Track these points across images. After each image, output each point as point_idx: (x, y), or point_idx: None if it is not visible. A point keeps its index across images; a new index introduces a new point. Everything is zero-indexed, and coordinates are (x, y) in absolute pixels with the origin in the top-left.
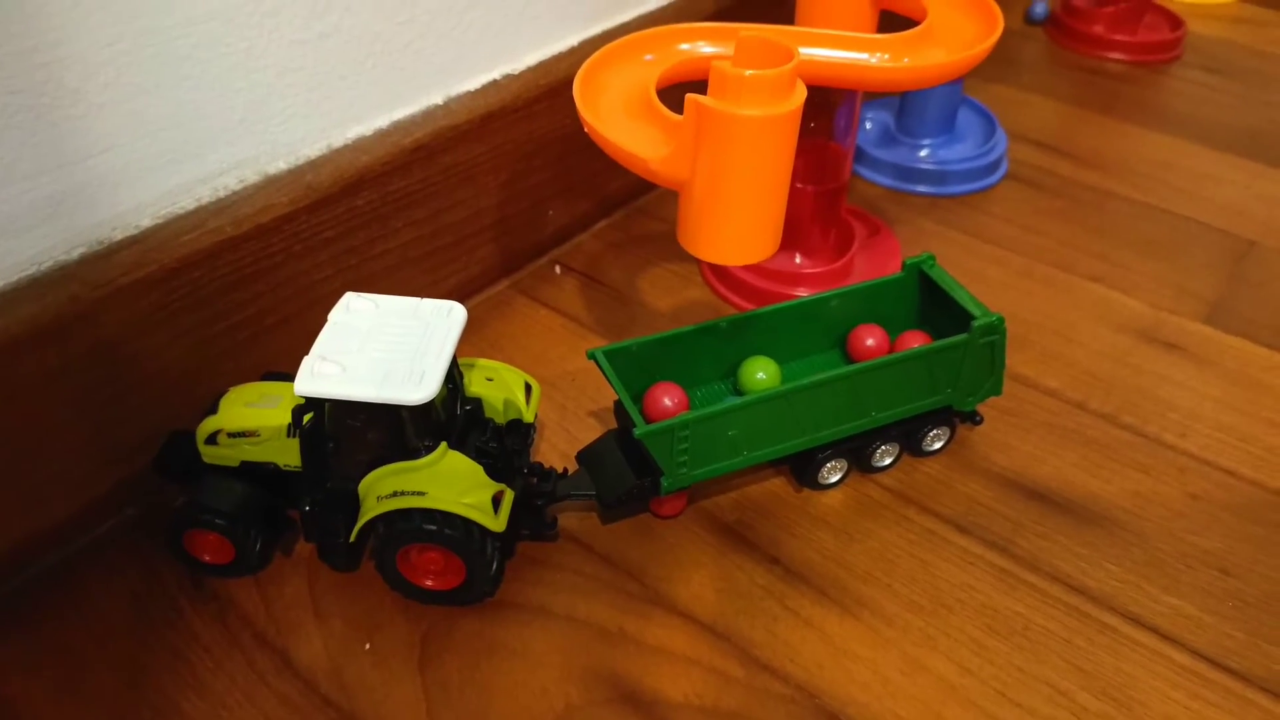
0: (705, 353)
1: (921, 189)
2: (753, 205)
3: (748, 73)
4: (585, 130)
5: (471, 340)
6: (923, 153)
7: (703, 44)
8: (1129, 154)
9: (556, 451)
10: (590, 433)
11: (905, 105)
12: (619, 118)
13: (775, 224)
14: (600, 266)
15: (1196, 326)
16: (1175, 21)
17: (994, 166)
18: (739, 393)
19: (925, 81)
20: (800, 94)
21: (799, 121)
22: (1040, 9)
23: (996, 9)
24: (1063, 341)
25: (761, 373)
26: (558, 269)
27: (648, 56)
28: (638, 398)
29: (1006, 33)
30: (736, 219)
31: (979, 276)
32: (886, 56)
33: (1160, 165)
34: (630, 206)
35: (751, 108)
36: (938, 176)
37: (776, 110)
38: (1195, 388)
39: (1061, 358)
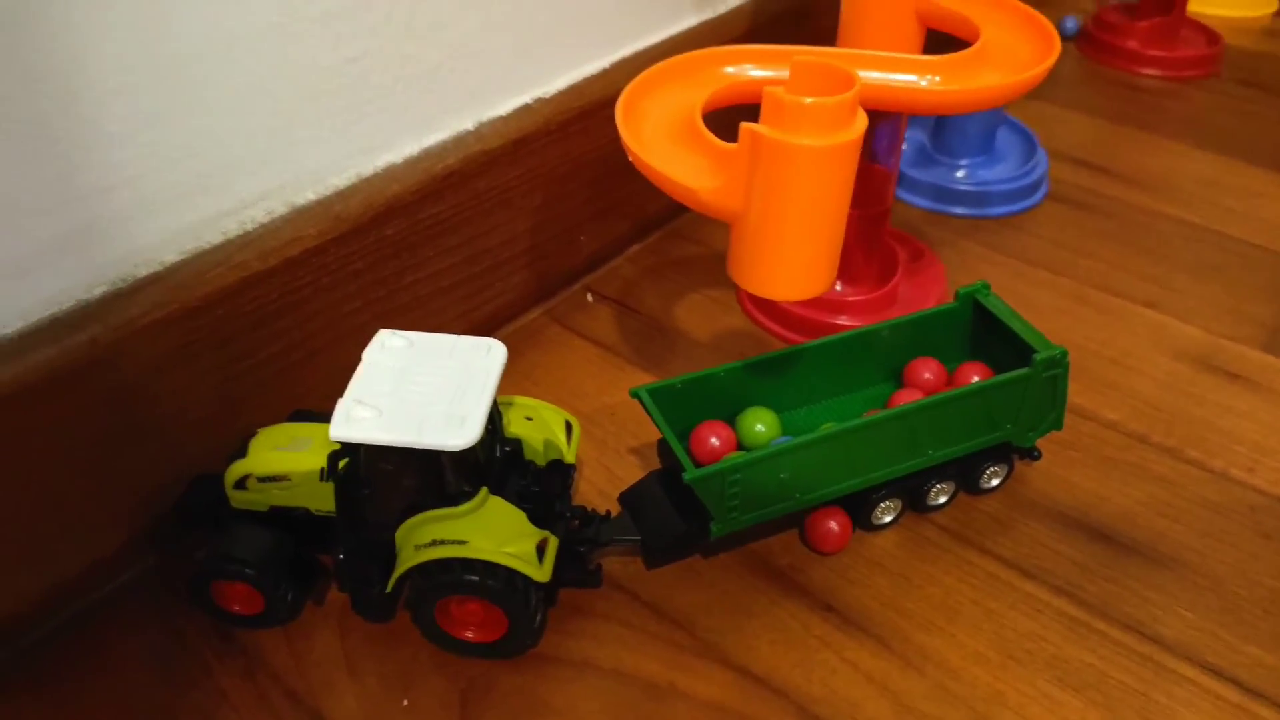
0: (752, 388)
1: (960, 210)
2: (810, 239)
3: (808, 100)
4: (630, 159)
5: (506, 371)
6: (960, 173)
7: (750, 67)
8: (1174, 172)
9: (595, 490)
10: (631, 470)
11: (942, 124)
12: (664, 145)
13: (832, 258)
14: (635, 293)
15: (1256, 354)
16: (1212, 37)
17: (1035, 186)
18: (754, 443)
19: (979, 105)
20: (862, 122)
21: (859, 151)
22: (1071, 24)
23: (1052, 29)
24: (1120, 370)
25: (760, 425)
26: (590, 297)
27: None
28: (683, 435)
29: None
30: (793, 253)
31: (1028, 301)
32: (938, 79)
33: (1207, 184)
34: (665, 229)
35: (811, 137)
36: (978, 198)
37: (838, 140)
38: (1260, 419)
39: (1120, 387)
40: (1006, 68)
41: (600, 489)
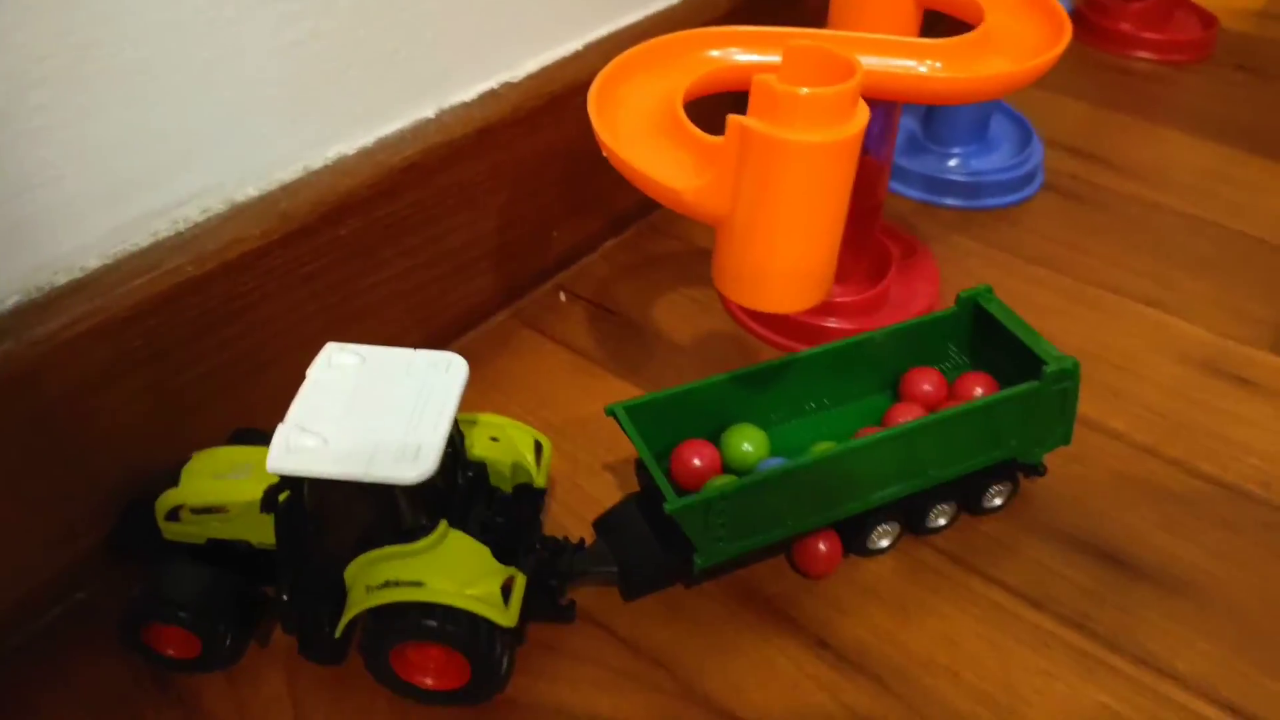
0: (738, 403)
1: (952, 201)
2: (805, 246)
3: (803, 90)
4: (604, 154)
5: (471, 381)
6: (953, 162)
7: (736, 51)
8: (1171, 161)
9: (568, 511)
10: (605, 488)
11: (934, 111)
12: (642, 138)
13: (828, 267)
14: (610, 292)
15: (1264, 356)
16: (1207, 19)
17: (1030, 177)
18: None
19: (985, 94)
20: (863, 115)
21: (860, 148)
22: (1064, 6)
23: (1062, 11)
24: (1124, 375)
25: (747, 443)
26: (563, 296)
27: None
28: (663, 454)
29: None
30: (785, 261)
31: (1024, 300)
32: (939, 65)
33: (1205, 174)
34: (642, 223)
35: (807, 132)
36: (970, 189)
37: (837, 135)
38: (1273, 428)
39: (1124, 394)
40: (1013, 54)
41: (573, 509)
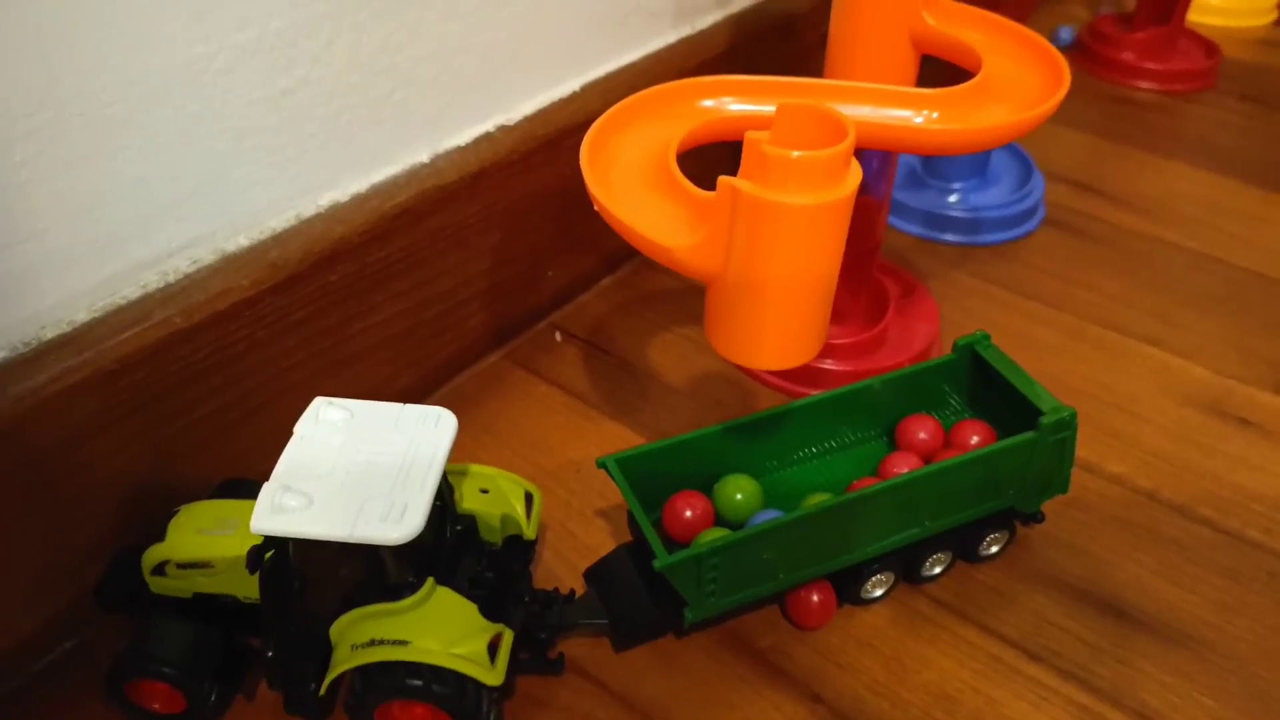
0: (731, 452)
1: (951, 238)
2: (796, 305)
3: (794, 154)
4: (595, 208)
5: (462, 424)
6: (953, 198)
7: (730, 100)
8: (1174, 194)
9: (559, 558)
10: (598, 536)
11: None
12: (635, 191)
13: (821, 325)
14: (605, 332)
15: (1268, 397)
16: (1210, 48)
17: (1031, 212)
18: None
19: (982, 145)
20: (856, 174)
21: (852, 209)
22: (1066, 35)
23: (1061, 58)
24: (1124, 417)
25: (740, 494)
26: (558, 336)
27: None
28: (655, 504)
29: None
30: (776, 320)
31: (1024, 339)
32: (936, 115)
33: (1207, 207)
34: (637, 260)
35: (799, 194)
36: (970, 224)
37: (829, 197)
38: (1276, 471)
39: (1124, 436)
40: (1011, 102)
41: (565, 557)
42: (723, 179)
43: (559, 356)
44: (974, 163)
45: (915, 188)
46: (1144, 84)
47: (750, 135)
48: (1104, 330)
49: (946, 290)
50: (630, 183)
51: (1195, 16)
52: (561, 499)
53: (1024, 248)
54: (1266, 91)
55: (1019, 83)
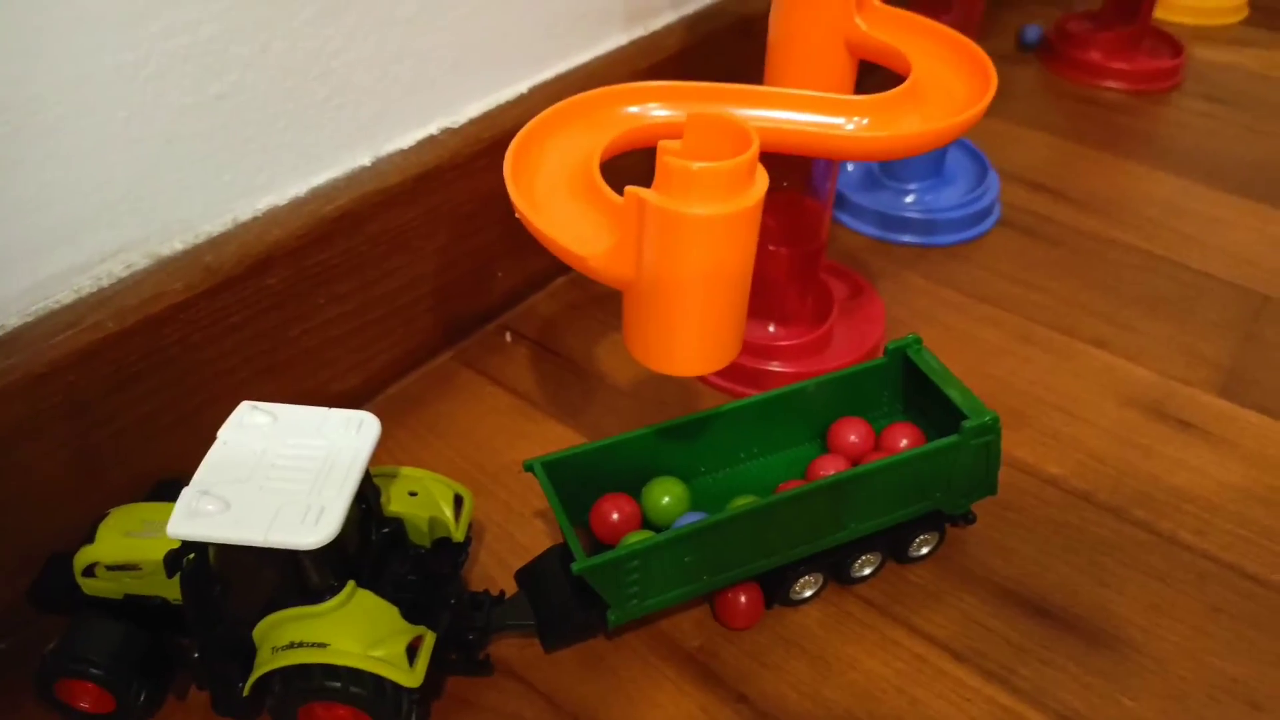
0: (662, 455)
1: (907, 239)
2: (705, 313)
3: (695, 165)
4: (516, 215)
5: (408, 425)
6: (909, 199)
7: (654, 106)
8: (1131, 195)
9: (496, 560)
10: (536, 537)
11: None
12: (559, 200)
13: (733, 331)
14: (555, 333)
15: (1210, 399)
16: (1176, 47)
17: (985, 213)
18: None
19: (908, 152)
20: (761, 184)
21: (759, 217)
22: (1033, 33)
23: (988, 63)
24: (1065, 418)
25: (667, 497)
26: (508, 336)
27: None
28: (585, 508)
29: (998, 59)
30: (687, 327)
31: (971, 340)
32: (865, 121)
33: (1165, 208)
34: None
35: (702, 205)
36: (925, 226)
37: (732, 207)
38: (1212, 474)
39: (1063, 438)
40: (939, 108)
41: (501, 559)
42: (629, 189)
43: (508, 357)
44: (930, 164)
45: (872, 189)
46: (1111, 83)
47: (662, 144)
48: (1051, 332)
49: (898, 291)
50: (555, 191)
51: (1165, 15)
52: (502, 500)
53: (978, 249)
54: (1232, 91)
55: (947, 87)
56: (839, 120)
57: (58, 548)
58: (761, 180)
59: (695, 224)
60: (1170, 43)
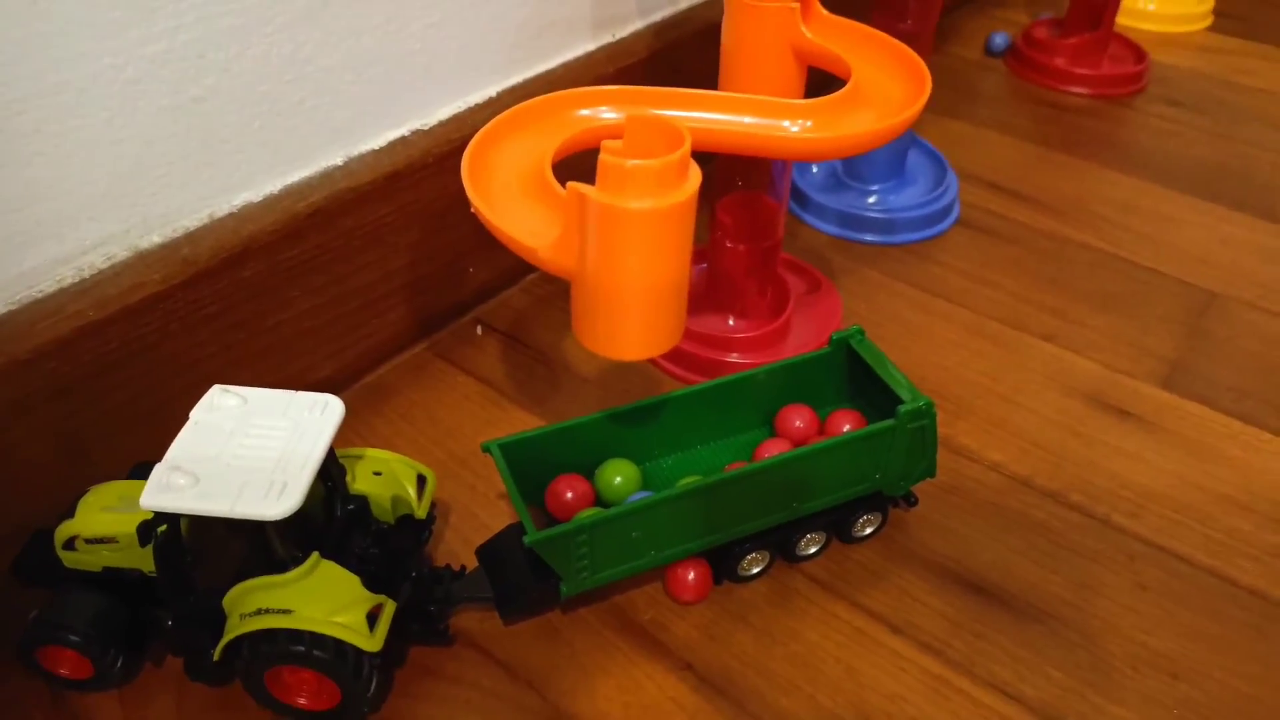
0: (616, 439)
1: (870, 238)
2: (646, 299)
3: (629, 163)
4: (471, 210)
5: (380, 410)
6: (871, 199)
7: (604, 109)
8: (1088, 196)
9: (461, 539)
10: (501, 518)
11: None
12: (513, 197)
13: (673, 318)
14: (526, 326)
15: (1152, 390)
16: (1139, 54)
17: (945, 212)
18: (612, 497)
19: (848, 151)
20: (694, 180)
21: (694, 211)
22: (1000, 40)
23: (924, 68)
24: (1009, 407)
25: (619, 477)
26: (479, 329)
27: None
28: (540, 489)
29: (965, 64)
30: (629, 313)
31: (925, 334)
32: (809, 124)
33: (1120, 208)
34: None
35: (637, 199)
36: (886, 225)
37: (665, 202)
38: (1150, 460)
39: (1006, 426)
40: (878, 110)
41: (466, 538)
42: (571, 184)
43: (480, 349)
44: (891, 165)
45: (836, 190)
46: (1076, 89)
47: (604, 144)
48: (1002, 327)
49: (857, 287)
50: (509, 190)
51: (1131, 22)
52: (468, 483)
53: (936, 247)
54: (1193, 96)
55: (885, 90)
56: (784, 122)
57: (41, 525)
58: (694, 176)
59: (631, 217)
60: (1134, 49)
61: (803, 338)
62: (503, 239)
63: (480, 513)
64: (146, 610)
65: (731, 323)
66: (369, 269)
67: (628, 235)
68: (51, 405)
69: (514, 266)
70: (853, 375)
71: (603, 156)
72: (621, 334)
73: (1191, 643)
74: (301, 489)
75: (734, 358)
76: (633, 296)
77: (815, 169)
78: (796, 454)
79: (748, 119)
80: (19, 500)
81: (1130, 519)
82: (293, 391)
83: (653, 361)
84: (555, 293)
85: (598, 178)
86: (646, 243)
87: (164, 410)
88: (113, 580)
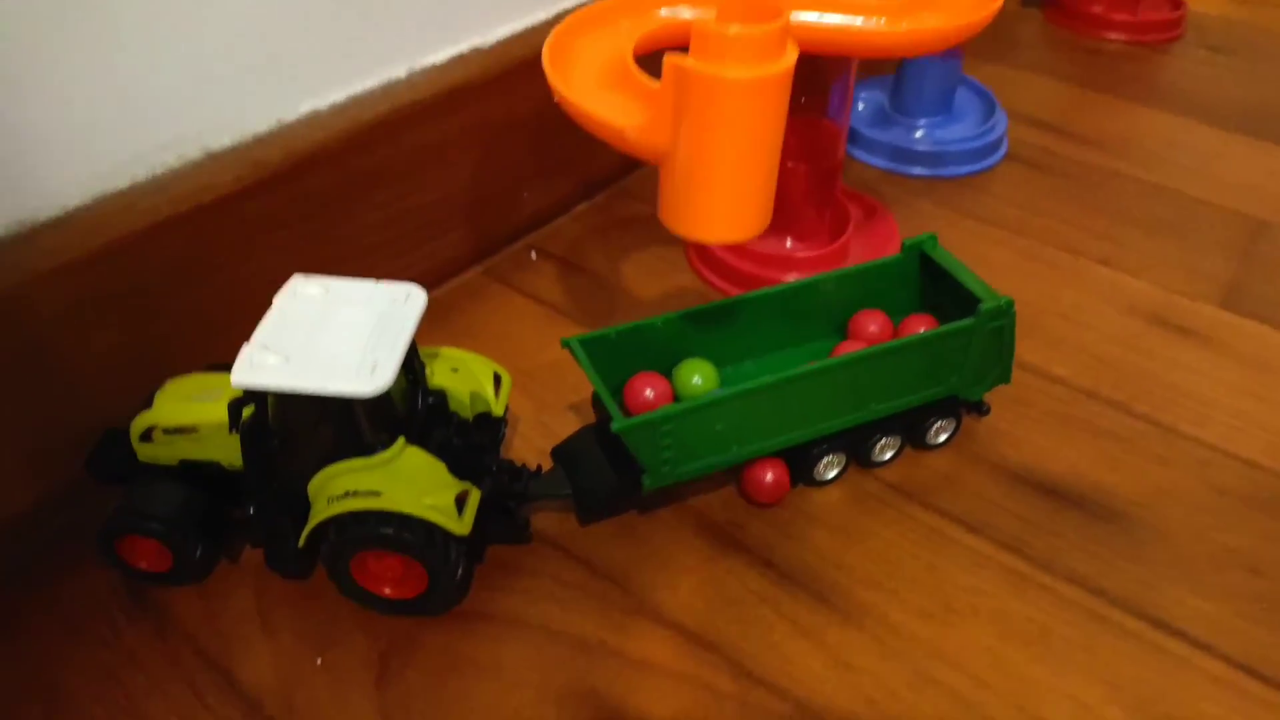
0: (691, 340)
1: (918, 170)
2: (740, 177)
3: (732, 29)
4: (555, 99)
5: (443, 328)
6: (919, 133)
7: (684, 9)
8: (1133, 133)
9: (531, 447)
10: (568, 425)
11: (900, 84)
12: (593, 88)
13: (765, 198)
14: (581, 251)
15: (1210, 310)
16: (1176, 1)
17: (994, 147)
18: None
19: (922, 48)
20: (791, 55)
21: (790, 85)
22: None
23: None
24: (1070, 325)
25: (698, 376)
26: (533, 254)
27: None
28: (618, 389)
29: (1003, 14)
30: (722, 192)
31: (981, 259)
32: (882, 21)
33: (1166, 144)
34: (613, 188)
35: (738, 69)
36: (935, 158)
37: (765, 72)
38: (1210, 373)
39: (1069, 342)
40: (950, 10)
41: (536, 446)
42: (669, 56)
43: (535, 273)
44: (939, 100)
45: (884, 124)
46: (1113, 35)
47: (695, 19)
48: (1057, 251)
49: (910, 216)
50: (589, 80)
51: None
52: (535, 395)
53: (987, 180)
54: (1232, 41)
55: None
56: (858, 19)
57: (114, 423)
58: (791, 51)
59: (732, 86)
60: None
61: (860, 260)
62: (586, 122)
63: (549, 422)
64: (223, 504)
65: (790, 244)
66: (430, 187)
67: (726, 106)
68: (124, 301)
69: (567, 196)
70: (925, 283)
71: (704, 26)
72: (712, 215)
73: (1267, 542)
74: (392, 369)
75: (793, 277)
76: (725, 174)
77: (862, 105)
78: (877, 349)
79: (820, 15)
80: (94, 396)
81: (1197, 427)
82: (375, 281)
83: (710, 283)
84: (608, 223)
85: (694, 48)
86: (744, 115)
87: (231, 314)
88: (190, 476)
